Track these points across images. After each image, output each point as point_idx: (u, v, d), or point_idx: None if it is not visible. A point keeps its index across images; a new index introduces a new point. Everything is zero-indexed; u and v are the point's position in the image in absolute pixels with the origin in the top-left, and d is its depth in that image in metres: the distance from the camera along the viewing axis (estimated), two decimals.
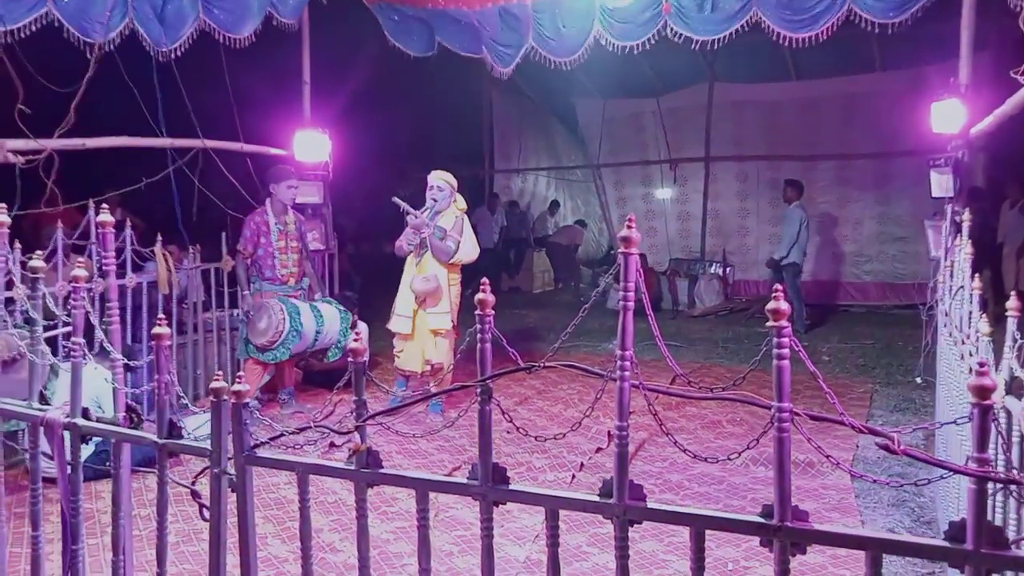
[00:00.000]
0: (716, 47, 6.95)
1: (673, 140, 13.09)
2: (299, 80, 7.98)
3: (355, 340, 2.00)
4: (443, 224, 6.16)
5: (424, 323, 6.18)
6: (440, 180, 6.21)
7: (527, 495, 1.88)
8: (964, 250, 4.22)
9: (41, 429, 2.47)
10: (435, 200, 6.17)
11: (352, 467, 2.00)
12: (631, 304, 1.72)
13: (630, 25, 7.06)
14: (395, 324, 6.27)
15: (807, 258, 10.59)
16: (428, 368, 6.18)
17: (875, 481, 2.13)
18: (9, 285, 4.00)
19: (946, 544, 1.51)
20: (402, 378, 6.40)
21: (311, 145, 7.58)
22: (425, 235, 6.08)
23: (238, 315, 6.51)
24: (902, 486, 1.81)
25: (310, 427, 2.18)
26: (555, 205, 15.34)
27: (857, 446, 5.34)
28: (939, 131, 6.25)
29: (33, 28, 5.42)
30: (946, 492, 3.76)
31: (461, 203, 6.34)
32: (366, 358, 2.03)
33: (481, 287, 1.85)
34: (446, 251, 6.08)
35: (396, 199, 6.22)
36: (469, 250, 6.21)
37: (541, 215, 15.46)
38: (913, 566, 3.63)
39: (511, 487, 1.85)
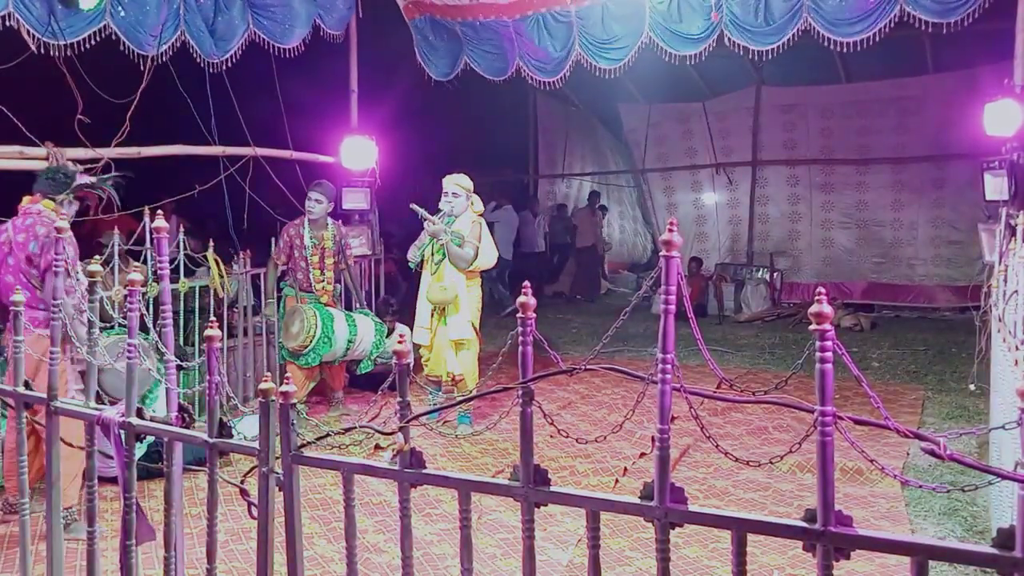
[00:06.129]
0: (766, 54, 6.90)
1: (721, 144, 12.99)
2: (346, 88, 8.11)
3: (399, 343, 2.02)
4: (460, 229, 5.93)
5: (444, 333, 5.98)
6: (454, 185, 5.96)
7: (568, 496, 1.89)
8: (1018, 254, 4.13)
9: (97, 427, 2.54)
10: (450, 205, 5.96)
11: (396, 467, 2.03)
12: (672, 307, 1.72)
13: (686, 37, 7.02)
14: (416, 335, 6.06)
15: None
16: (450, 380, 6.04)
17: (921, 487, 2.10)
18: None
19: (994, 551, 1.47)
20: (434, 385, 6.19)
21: (358, 152, 7.69)
22: (443, 242, 5.87)
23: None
24: (949, 492, 1.78)
25: (355, 428, 2.21)
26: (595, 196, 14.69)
27: (908, 454, 5.24)
28: (993, 133, 6.13)
29: (91, 42, 5.61)
30: (1000, 501, 3.68)
31: (478, 206, 6.13)
32: (410, 360, 2.06)
33: (523, 290, 1.86)
34: (465, 258, 5.85)
35: (414, 206, 6.02)
36: (488, 256, 6.01)
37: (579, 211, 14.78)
38: None
39: (552, 489, 1.87)
